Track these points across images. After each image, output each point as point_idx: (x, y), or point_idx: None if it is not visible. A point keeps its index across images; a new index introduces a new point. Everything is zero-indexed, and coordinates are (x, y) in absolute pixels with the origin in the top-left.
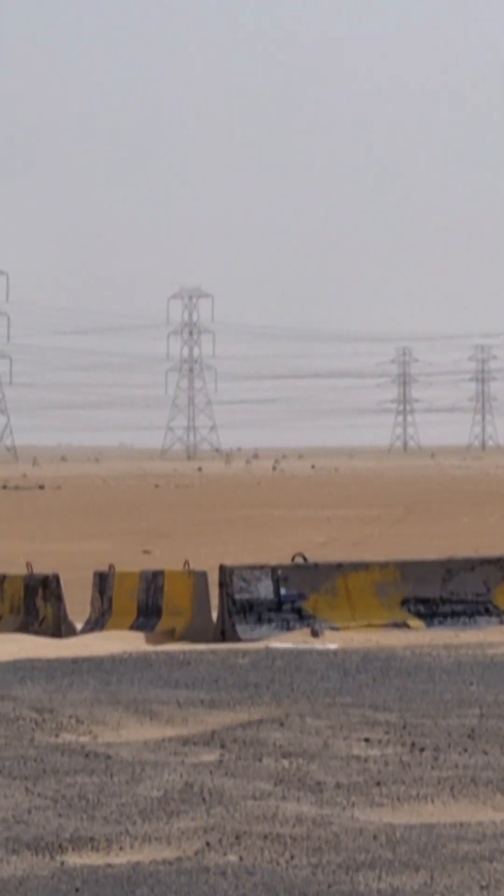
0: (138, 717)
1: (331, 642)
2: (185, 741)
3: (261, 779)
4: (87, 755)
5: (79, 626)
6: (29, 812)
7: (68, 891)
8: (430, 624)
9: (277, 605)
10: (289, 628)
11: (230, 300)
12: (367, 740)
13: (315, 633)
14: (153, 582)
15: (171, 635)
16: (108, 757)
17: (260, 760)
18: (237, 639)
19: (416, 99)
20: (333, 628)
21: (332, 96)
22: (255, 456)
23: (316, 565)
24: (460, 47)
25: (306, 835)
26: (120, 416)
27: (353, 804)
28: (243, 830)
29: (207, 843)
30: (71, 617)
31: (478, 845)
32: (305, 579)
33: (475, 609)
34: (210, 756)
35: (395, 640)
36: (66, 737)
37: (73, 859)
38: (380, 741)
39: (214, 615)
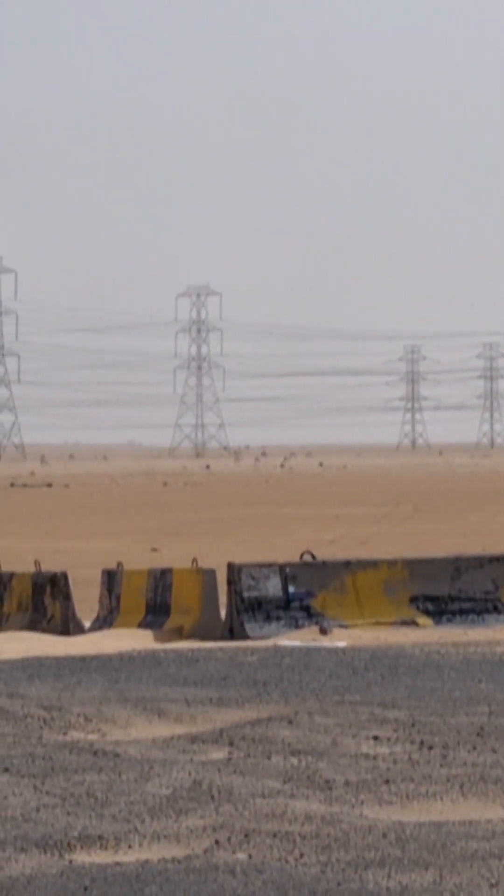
0: (147, 715)
1: (339, 640)
2: (194, 739)
3: (269, 777)
4: (95, 753)
5: (87, 623)
6: (37, 810)
7: (77, 889)
8: (438, 622)
9: (286, 602)
10: (297, 626)
11: (238, 298)
12: (375, 738)
13: (324, 631)
14: (161, 580)
15: (179, 633)
16: (117, 755)
17: (269, 758)
18: (245, 637)
19: (420, 98)
20: (342, 626)
21: (335, 96)
22: (264, 454)
23: (324, 563)
24: (460, 46)
25: (315, 833)
26: (128, 414)
27: (362, 802)
28: (252, 828)
29: (216, 842)
30: (79, 615)
31: (487, 843)
32: (314, 577)
33: (484, 607)
34: (219, 754)
35: (403, 637)
36: (75, 735)
37: (82, 857)
38: (388, 739)
39: (223, 613)
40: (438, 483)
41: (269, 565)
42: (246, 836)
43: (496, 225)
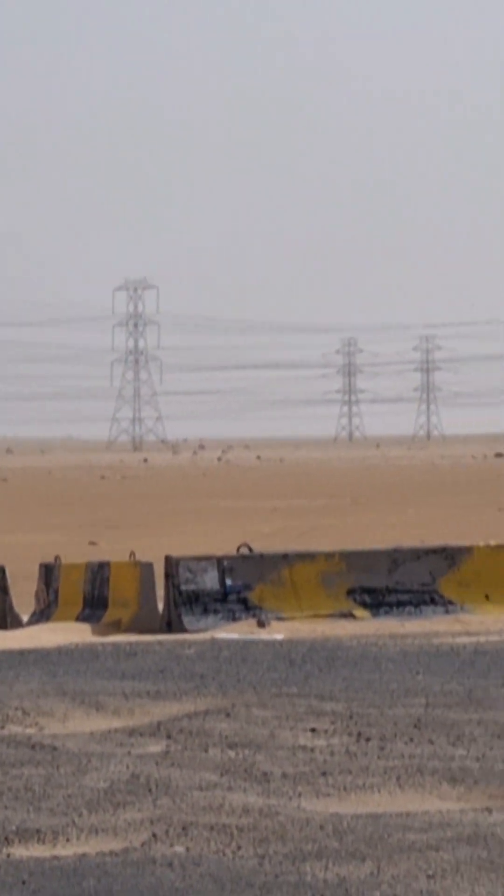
0: (84, 709)
1: (277, 632)
2: (132, 732)
3: (207, 769)
4: (33, 747)
5: (25, 617)
6: None
7: (14, 883)
8: (376, 614)
9: (223, 595)
10: (235, 619)
11: (175, 291)
12: (313, 730)
13: (261, 624)
14: (99, 573)
15: (117, 626)
16: (55, 748)
17: (206, 751)
18: (183, 630)
19: (342, 79)
20: (279, 618)
21: (263, 82)
22: (201, 447)
23: (262, 556)
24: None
25: (253, 825)
26: (66, 408)
27: (300, 794)
28: (190, 821)
29: (154, 835)
30: (17, 609)
31: (424, 835)
32: (251, 570)
33: (421, 599)
34: (156, 747)
35: (341, 630)
36: (12, 728)
37: (20, 851)
38: (326, 731)
39: (161, 606)
40: (376, 475)
41: (207, 558)
42: (184, 828)
43: (431, 217)
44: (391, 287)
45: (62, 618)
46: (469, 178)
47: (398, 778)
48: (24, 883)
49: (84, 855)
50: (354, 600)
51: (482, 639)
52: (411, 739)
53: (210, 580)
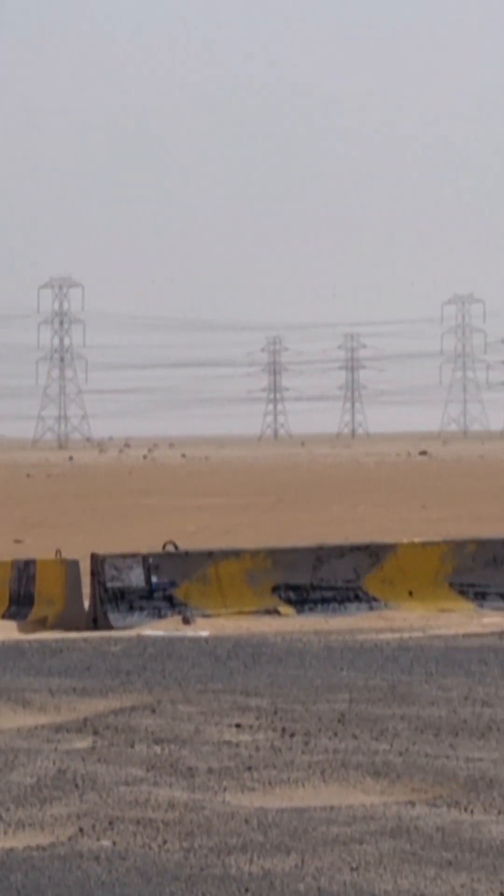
0: (11, 706)
1: (202, 629)
2: (58, 728)
3: (133, 765)
4: None
5: None
6: None
7: None
8: (300, 610)
9: (149, 593)
10: (160, 616)
11: (101, 289)
12: (238, 726)
13: (186, 621)
14: (25, 571)
15: (43, 624)
16: None
17: (132, 747)
18: (109, 627)
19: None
20: (205, 616)
21: (202, 77)
22: (127, 445)
23: (187, 553)
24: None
25: (178, 819)
26: None
27: (225, 789)
28: (116, 816)
29: (80, 829)
30: None
31: (348, 828)
32: (177, 567)
33: (345, 595)
34: (83, 743)
35: (266, 626)
36: None
37: None
38: (251, 726)
39: (86, 604)
40: (301, 473)
41: (132, 556)
42: (110, 823)
43: (356, 216)
44: (316, 286)
45: None
46: (393, 178)
47: (322, 772)
48: None
49: (11, 850)
50: (279, 597)
51: (406, 635)
52: (335, 734)
53: (136, 578)
